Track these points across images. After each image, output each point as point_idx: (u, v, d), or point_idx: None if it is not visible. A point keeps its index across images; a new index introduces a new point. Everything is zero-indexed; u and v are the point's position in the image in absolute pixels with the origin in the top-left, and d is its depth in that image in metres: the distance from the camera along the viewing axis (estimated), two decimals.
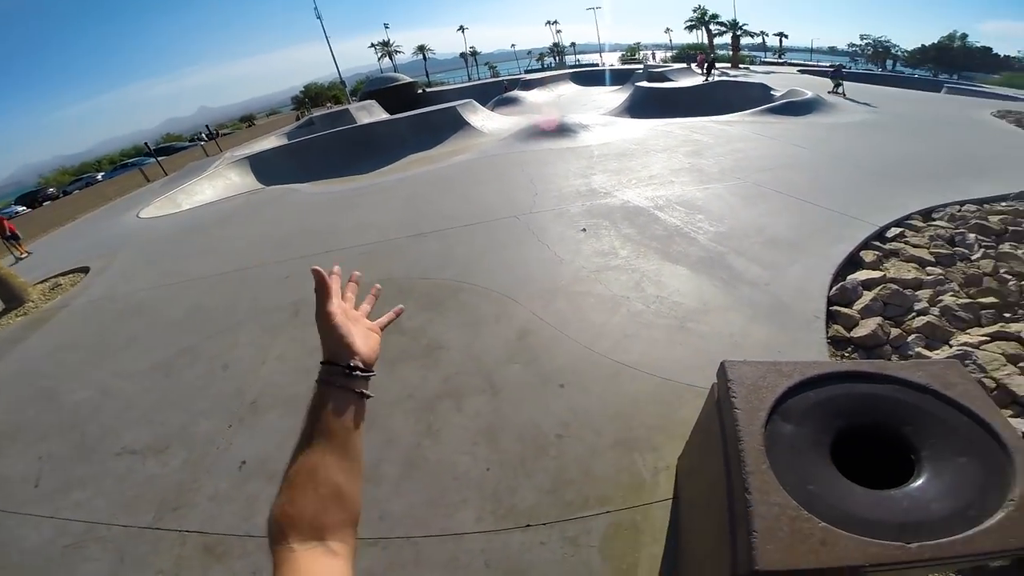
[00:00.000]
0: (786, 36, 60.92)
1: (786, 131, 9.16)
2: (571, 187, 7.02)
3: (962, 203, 5.02)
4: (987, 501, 1.14)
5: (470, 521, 2.39)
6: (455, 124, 14.38)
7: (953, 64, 49.86)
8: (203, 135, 33.96)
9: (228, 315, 4.92)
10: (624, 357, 3.35)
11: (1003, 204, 4.93)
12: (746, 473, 1.26)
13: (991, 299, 3.44)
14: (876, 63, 58.55)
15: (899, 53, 60.38)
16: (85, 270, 7.66)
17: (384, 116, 18.41)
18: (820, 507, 1.18)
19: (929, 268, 4.00)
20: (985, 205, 4.96)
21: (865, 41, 63.68)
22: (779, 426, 1.41)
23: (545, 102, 22.18)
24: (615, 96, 20.22)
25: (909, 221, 4.76)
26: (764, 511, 1.18)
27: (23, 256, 10.54)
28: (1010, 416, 2.54)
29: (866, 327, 3.37)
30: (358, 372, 0.62)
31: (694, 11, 42.92)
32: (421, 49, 67.14)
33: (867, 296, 3.68)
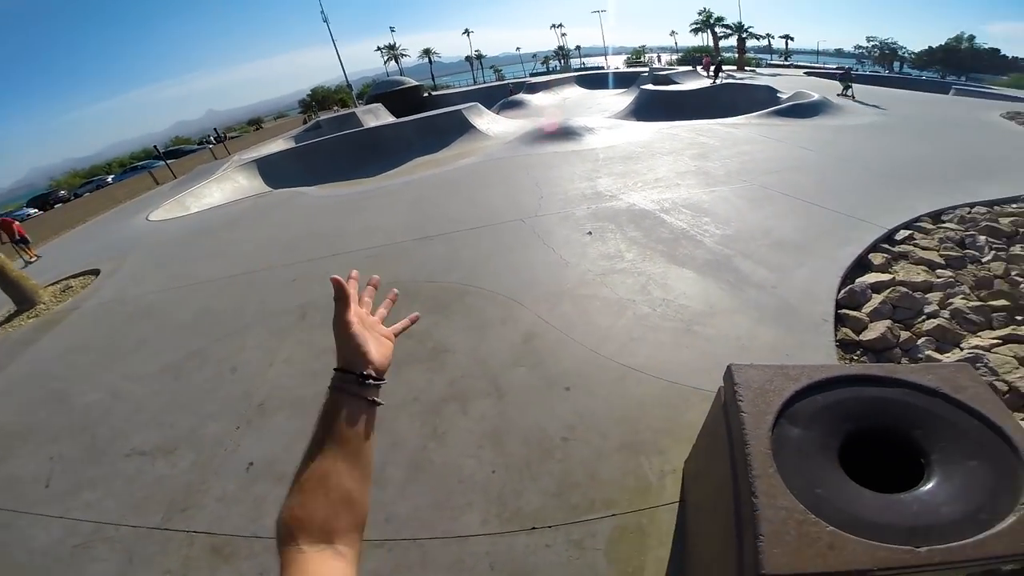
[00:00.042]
0: (792, 38, 60.82)
1: (793, 133, 9.12)
2: (576, 190, 7.03)
3: (972, 205, 4.97)
4: (998, 504, 1.13)
5: (475, 524, 2.39)
6: (461, 127, 14.45)
7: (961, 66, 49.47)
8: (211, 138, 34.31)
9: (236, 318, 4.96)
10: (630, 360, 3.35)
11: (1014, 206, 4.88)
12: (753, 477, 1.26)
13: (1002, 302, 3.40)
14: (883, 65, 58.24)
15: (906, 55, 60.03)
16: (96, 272, 7.75)
17: (390, 119, 18.52)
18: (828, 511, 1.17)
19: (939, 271, 3.96)
20: (995, 207, 4.91)
21: (871, 43, 63.40)
22: (786, 430, 1.41)
23: (550, 105, 22.22)
24: (620, 99, 20.23)
25: (918, 223, 4.72)
26: (771, 515, 1.18)
27: (32, 260, 10.61)
28: (1022, 419, 2.50)
29: (875, 330, 3.35)
30: (371, 380, 0.63)
31: (699, 14, 42.92)
32: (427, 52, 67.52)
33: (876, 299, 3.65)
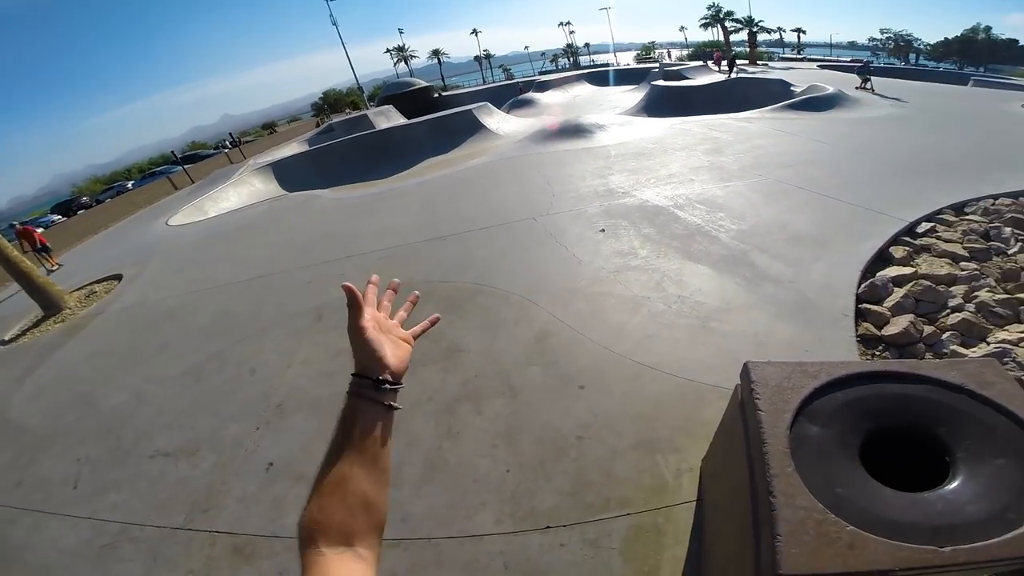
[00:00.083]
0: (804, 32, 59.84)
1: (807, 127, 8.96)
2: (589, 187, 7.00)
3: (996, 196, 4.83)
4: None
5: (490, 523, 2.39)
6: (471, 127, 14.49)
7: (978, 57, 48.08)
8: (227, 143, 34.92)
9: (254, 320, 5.04)
10: (645, 358, 3.32)
11: None
12: (770, 476, 1.24)
13: None
14: (898, 57, 56.92)
15: (921, 47, 58.60)
16: (118, 277, 7.94)
17: (401, 120, 18.65)
18: (848, 510, 1.15)
19: (963, 263, 3.86)
20: (1021, 198, 4.76)
21: (885, 35, 62.01)
22: (805, 428, 1.38)
23: (560, 103, 22.14)
24: (631, 95, 20.08)
25: (940, 216, 4.61)
26: (789, 515, 1.16)
27: (54, 268, 10.64)
28: None
29: (898, 325, 3.27)
30: (387, 385, 0.64)
31: (708, 8, 42.41)
32: (436, 53, 67.76)
33: (898, 293, 3.57)
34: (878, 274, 3.85)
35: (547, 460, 2.67)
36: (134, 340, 5.38)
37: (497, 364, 3.55)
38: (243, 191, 12.87)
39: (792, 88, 13.53)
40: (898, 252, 4.10)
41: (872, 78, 13.47)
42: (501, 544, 2.29)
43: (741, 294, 3.90)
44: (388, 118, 19.94)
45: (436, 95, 28.96)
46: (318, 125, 29.95)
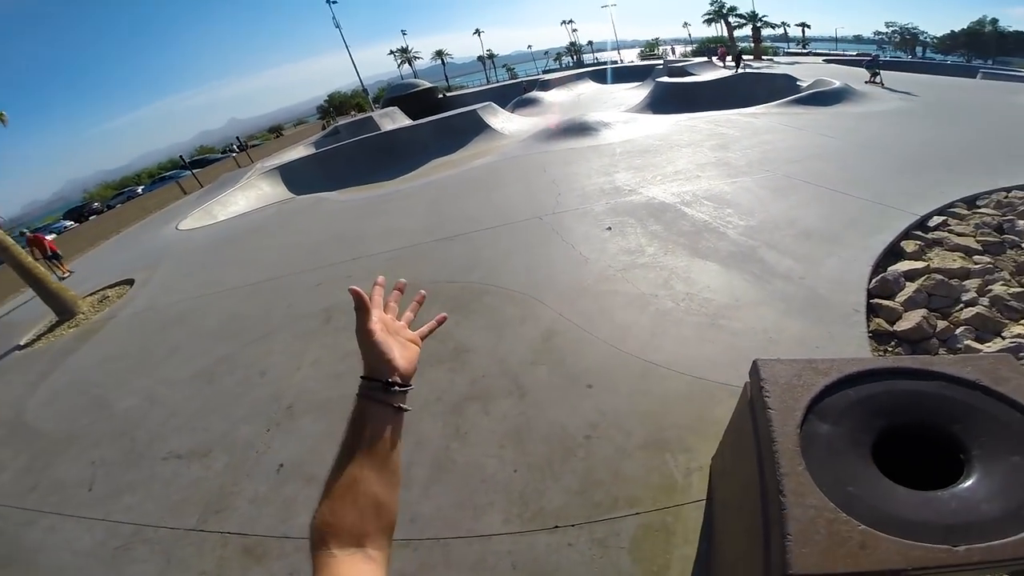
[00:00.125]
0: (808, 26, 59.22)
1: (814, 121, 8.87)
2: (594, 186, 6.97)
3: (1009, 189, 4.74)
4: None
5: (497, 523, 2.39)
6: (476, 127, 14.50)
7: (986, 49, 47.28)
8: (234, 147, 35.21)
9: (264, 323, 5.08)
10: (653, 356, 3.30)
11: None
12: (780, 475, 1.23)
13: None
14: (904, 50, 56.17)
15: (928, 40, 57.79)
16: (130, 282, 8.04)
17: (406, 122, 18.70)
18: (860, 509, 1.14)
19: (976, 257, 3.79)
20: None
21: (891, 29, 61.23)
22: (816, 426, 1.37)
23: (565, 101, 22.09)
24: (636, 93, 19.98)
25: (952, 209, 4.54)
26: (799, 514, 1.14)
27: (65, 276, 10.58)
28: None
29: (910, 320, 3.23)
30: (396, 387, 0.64)
31: (711, 4, 42.08)
32: (439, 54, 67.82)
33: (910, 287, 3.53)
34: (889, 269, 3.80)
35: (555, 460, 2.67)
36: (146, 344, 5.44)
37: (504, 364, 3.55)
38: (251, 195, 12.98)
39: (798, 83, 13.40)
40: (909, 246, 4.04)
41: (881, 72, 13.30)
42: (509, 544, 2.29)
43: (750, 291, 3.87)
44: (393, 120, 20.00)
45: (440, 96, 29.01)
46: (324, 128, 30.12)
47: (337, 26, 36.89)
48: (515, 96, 23.63)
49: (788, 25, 58.44)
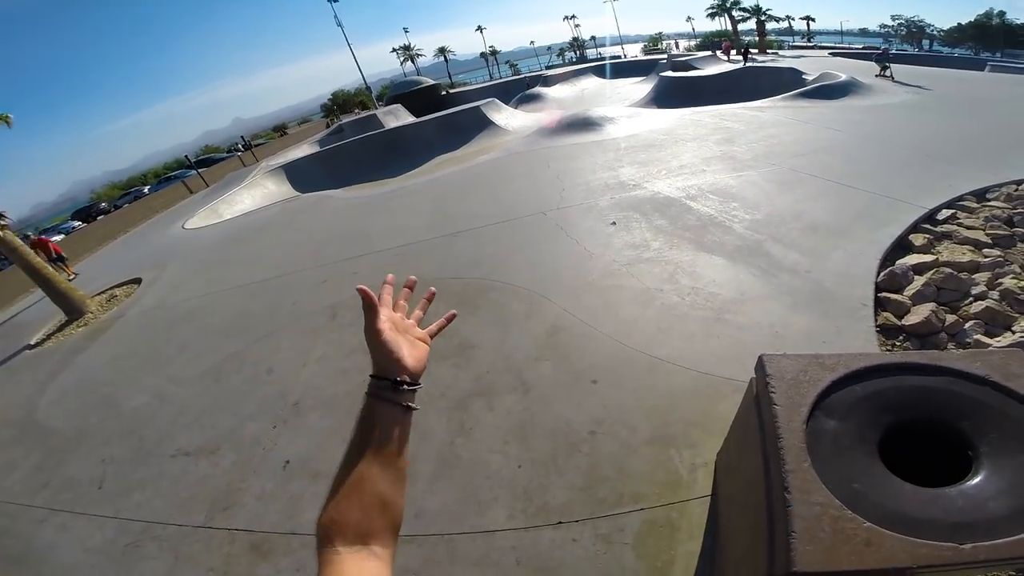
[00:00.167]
0: (813, 20, 58.68)
1: (820, 115, 8.77)
2: (599, 180, 6.94)
3: (1019, 182, 4.67)
4: None
5: (502, 519, 2.40)
6: (480, 124, 14.45)
7: (994, 42, 46.54)
8: (239, 146, 35.35)
9: (270, 320, 5.11)
10: (659, 351, 3.29)
11: None
12: (786, 472, 1.22)
13: None
14: (911, 44, 55.46)
15: (935, 32, 57.02)
16: (138, 281, 8.10)
17: (410, 119, 18.68)
18: (866, 506, 1.13)
19: (986, 250, 3.74)
20: None
21: (897, 21, 60.48)
22: (822, 422, 1.36)
23: (568, 97, 21.99)
24: (640, 87, 19.85)
25: (961, 202, 4.48)
26: (804, 511, 1.14)
27: (71, 278, 10.47)
28: None
29: (919, 314, 3.19)
30: (405, 386, 0.65)
31: None
32: (442, 51, 67.60)
33: (919, 281, 3.49)
34: (898, 262, 3.76)
35: (559, 455, 2.67)
36: (154, 342, 5.49)
37: (509, 359, 3.55)
38: (256, 193, 13.02)
39: (804, 76, 13.26)
40: (918, 240, 3.99)
41: (891, 65, 13.13)
42: (513, 539, 2.30)
43: (756, 285, 3.84)
44: (397, 117, 19.99)
45: (444, 93, 28.95)
46: (328, 126, 30.14)
47: (339, 24, 36.86)
48: (518, 92, 23.51)
49: (792, 19, 57.91)
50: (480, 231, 6.01)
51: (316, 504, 0.56)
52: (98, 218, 26.19)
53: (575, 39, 75.25)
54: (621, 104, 15.18)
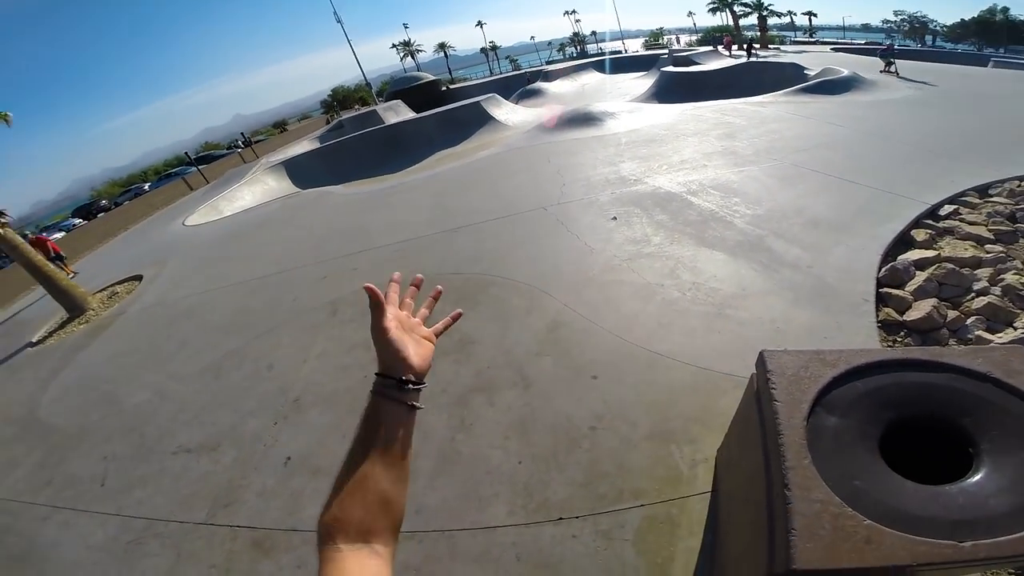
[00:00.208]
0: (815, 15, 58.41)
1: (823, 110, 8.72)
2: (599, 176, 6.91)
3: (1022, 178, 4.65)
4: None
5: (502, 514, 2.40)
6: (480, 119, 14.40)
7: (997, 38, 46.28)
8: (239, 142, 35.30)
9: (271, 316, 5.11)
10: (659, 346, 3.29)
11: None
12: (786, 468, 1.21)
13: None
14: (914, 39, 55.21)
15: (938, 28, 56.75)
16: (139, 278, 8.11)
17: (410, 115, 18.61)
18: (866, 503, 1.12)
19: (988, 246, 3.73)
20: None
21: (900, 17, 60.17)
22: (823, 419, 1.35)
23: (569, 92, 21.88)
24: (641, 82, 19.74)
25: (963, 198, 4.46)
26: (804, 508, 1.13)
27: (70, 276, 10.77)
28: None
29: (920, 309, 3.19)
30: (410, 385, 0.65)
31: None
32: (442, 47, 67.35)
33: (920, 276, 3.48)
34: (899, 258, 3.75)
35: (560, 451, 2.67)
36: (155, 339, 5.50)
37: (509, 355, 3.55)
38: (257, 190, 13.00)
39: (806, 71, 13.19)
40: (920, 235, 3.98)
41: (896, 61, 13.05)
42: (513, 535, 2.30)
43: (757, 280, 3.83)
44: (397, 113, 19.90)
45: (444, 88, 28.81)
46: (328, 122, 30.07)
47: (338, 20, 36.68)
48: (519, 87, 23.41)
49: (794, 14, 57.75)
50: (480, 226, 6.00)
51: (317, 500, 0.55)
52: (99, 215, 26.19)
53: (576, 34, 74.91)
54: (622, 99, 15.09)
